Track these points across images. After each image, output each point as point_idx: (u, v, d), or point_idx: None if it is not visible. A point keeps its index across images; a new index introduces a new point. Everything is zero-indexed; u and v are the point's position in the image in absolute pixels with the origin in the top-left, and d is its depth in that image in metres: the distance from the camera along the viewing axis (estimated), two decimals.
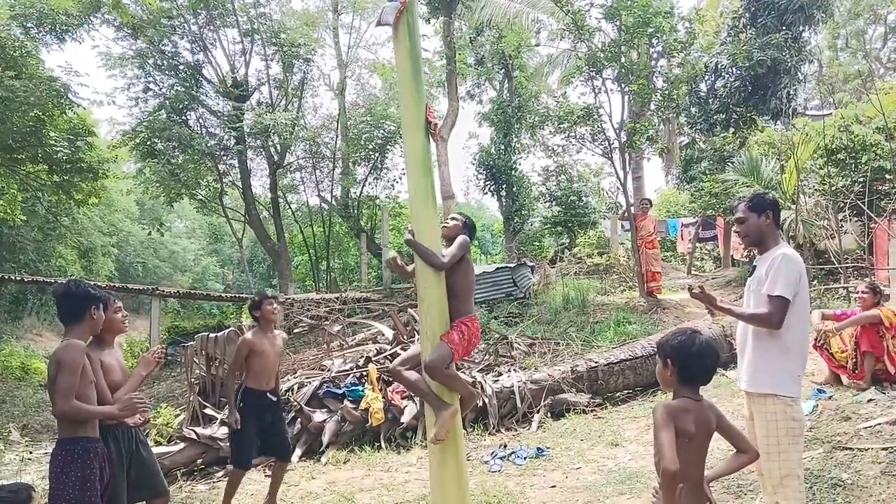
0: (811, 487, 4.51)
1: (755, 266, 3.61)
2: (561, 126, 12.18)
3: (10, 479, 6.28)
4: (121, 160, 19.01)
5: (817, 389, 6.26)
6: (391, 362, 7.77)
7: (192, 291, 20.01)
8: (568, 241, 20.41)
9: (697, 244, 19.04)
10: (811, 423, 5.60)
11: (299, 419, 7.17)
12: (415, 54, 4.16)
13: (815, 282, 10.99)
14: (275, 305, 5.48)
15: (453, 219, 4.22)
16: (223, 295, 17.33)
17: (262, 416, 5.28)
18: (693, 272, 17.20)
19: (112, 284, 17.26)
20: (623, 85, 11.98)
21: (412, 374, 3.99)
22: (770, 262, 3.44)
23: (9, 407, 12.08)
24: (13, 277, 14.71)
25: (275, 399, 5.40)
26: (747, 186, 11.87)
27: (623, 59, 11.77)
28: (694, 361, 2.66)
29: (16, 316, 24.54)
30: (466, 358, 7.77)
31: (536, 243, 22.77)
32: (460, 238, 4.06)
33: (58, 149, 14.79)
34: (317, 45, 19.02)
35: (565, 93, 15.02)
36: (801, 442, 3.40)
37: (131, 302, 33.43)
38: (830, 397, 6.05)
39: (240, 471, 5.36)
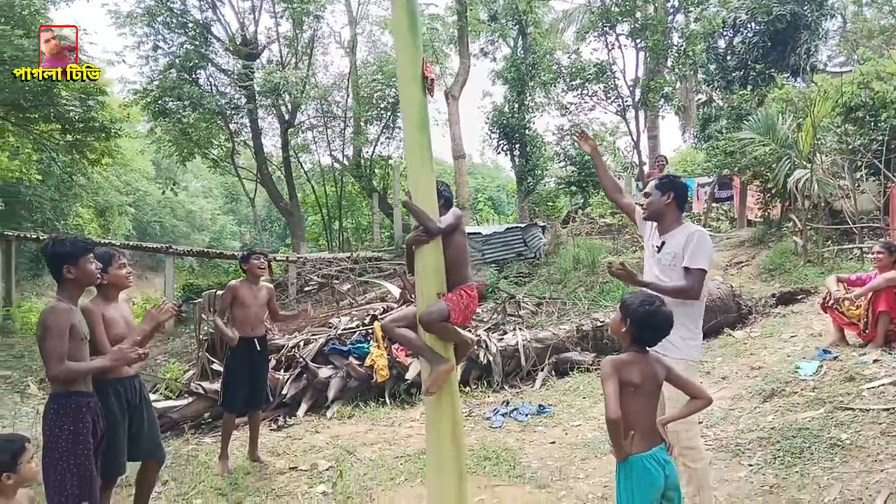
0: (809, 447, 4.50)
1: (663, 242, 3.75)
2: (573, 83, 11.94)
3: (25, 431, 6.43)
4: (134, 120, 19.01)
5: (822, 351, 6.20)
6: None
7: (204, 250, 20.19)
8: (582, 201, 20.23)
9: (714, 204, 18.78)
10: (814, 384, 5.56)
11: (305, 375, 7.24)
12: (411, 4, 4.05)
13: (830, 242, 10.84)
14: (261, 261, 5.64)
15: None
16: (235, 253, 17.39)
17: (250, 364, 5.51)
18: (708, 232, 17.00)
19: (126, 243, 17.44)
20: (637, 41, 11.70)
21: (407, 331, 3.97)
22: (686, 238, 3.62)
23: (27, 361, 12.32)
24: (27, 235, 14.87)
25: (259, 348, 5.55)
26: (763, 145, 11.64)
27: (638, 14, 11.48)
28: (650, 330, 2.87)
29: (35, 273, 24.91)
30: (465, 324, 7.77)
31: (550, 203, 22.57)
32: (451, 210, 3.99)
33: (70, 108, 14.79)
34: (327, 2, 18.74)
35: (578, 49, 14.69)
36: None
37: (149, 260, 33.88)
38: (836, 358, 6.00)
39: (230, 415, 5.58)
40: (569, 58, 15.02)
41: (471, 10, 17.64)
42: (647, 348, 2.91)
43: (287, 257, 15.78)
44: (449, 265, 3.89)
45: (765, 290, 9.81)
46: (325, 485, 5.03)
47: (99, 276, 3.53)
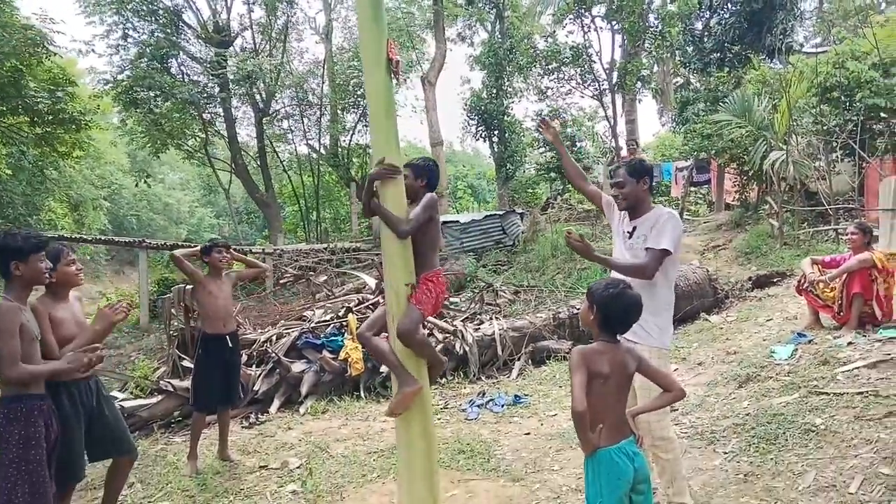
0: (784, 433, 4.45)
1: (634, 228, 3.67)
2: (549, 67, 11.81)
3: None
4: (105, 111, 18.62)
5: (797, 334, 6.17)
6: (372, 311, 7.71)
7: (177, 243, 19.84)
8: (561, 187, 20.16)
9: (691, 188, 18.77)
10: (789, 368, 5.52)
11: (278, 370, 7.10)
12: None
13: (806, 224, 10.85)
14: (223, 254, 5.48)
15: (405, 176, 3.77)
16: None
17: (223, 361, 5.35)
18: (686, 216, 17.00)
19: (98, 237, 17.16)
20: (613, 23, 11.59)
21: (382, 343, 3.83)
22: (655, 220, 3.59)
23: None
24: None
25: (231, 345, 5.41)
26: (740, 127, 11.60)
27: None
28: (617, 314, 2.77)
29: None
30: (434, 315, 7.69)
31: (530, 190, 22.51)
32: (426, 198, 3.74)
33: (38, 99, 14.46)
34: None
35: (554, 32, 14.54)
36: None
37: (126, 255, 33.40)
38: (811, 341, 5.96)
39: (200, 414, 5.42)
40: (545, 41, 14.83)
41: None
42: (619, 336, 2.82)
43: (263, 249, 15.58)
44: (416, 251, 3.77)
45: (742, 274, 9.81)
46: (296, 483, 4.91)
47: (48, 275, 3.36)
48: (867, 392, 4.64)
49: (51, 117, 15.14)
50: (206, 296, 5.34)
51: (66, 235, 17.89)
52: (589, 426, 2.59)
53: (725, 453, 4.49)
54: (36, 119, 15.17)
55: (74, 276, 3.85)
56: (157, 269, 19.84)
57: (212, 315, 5.35)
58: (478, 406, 6.41)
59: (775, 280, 8.85)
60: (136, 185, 24.30)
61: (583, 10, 11.69)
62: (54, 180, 24.59)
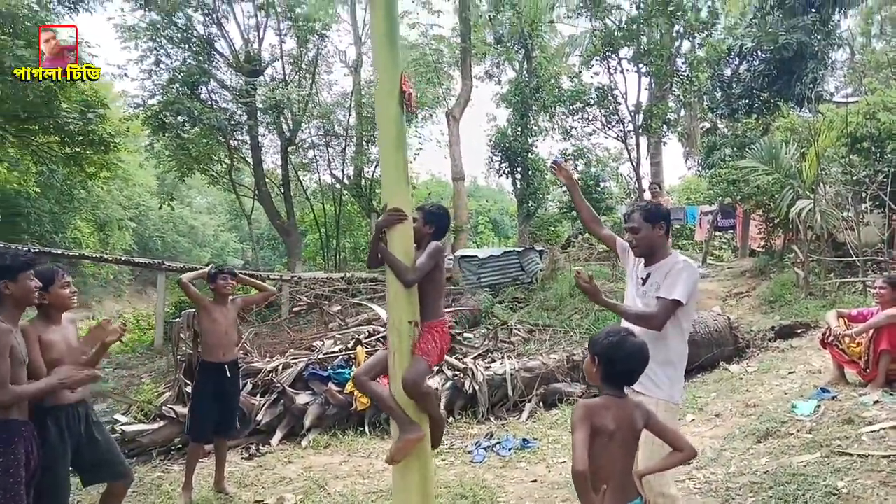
0: (804, 495, 4.20)
1: (649, 274, 3.52)
2: (573, 107, 11.77)
3: None
4: (135, 134, 18.92)
5: (821, 389, 5.91)
6: (382, 344, 7.57)
7: (196, 267, 19.95)
8: (582, 227, 19.99)
9: (717, 233, 18.52)
10: (811, 425, 5.27)
11: (282, 400, 6.97)
12: (391, 15, 3.84)
13: (832, 275, 10.55)
14: (228, 280, 5.42)
15: (413, 220, 3.75)
16: (234, 271, 17.17)
17: (220, 391, 5.24)
18: (709, 261, 16.73)
19: (119, 258, 17.25)
20: (640, 65, 11.54)
21: (380, 388, 3.71)
22: (670, 268, 3.43)
23: None
24: (13, 248, 14.64)
25: (230, 374, 5.31)
26: (766, 173, 11.41)
27: (642, 38, 11.33)
28: (619, 363, 2.60)
29: None
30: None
31: (551, 228, 22.35)
32: (431, 246, 3.67)
33: (69, 120, 14.71)
34: (333, 21, 18.71)
35: (580, 73, 14.54)
36: None
37: (149, 275, 33.69)
38: (834, 397, 5.71)
39: (196, 444, 5.33)
40: (570, 81, 14.82)
41: (476, 32, 17.53)
42: (625, 389, 2.65)
43: (281, 276, 15.56)
44: (422, 298, 3.65)
45: (764, 323, 9.53)
46: None
47: (37, 294, 3.28)
48: (894, 456, 4.39)
49: (81, 138, 15.37)
50: (209, 322, 5.28)
51: (87, 255, 18.10)
52: (591, 487, 2.40)
53: None
54: (66, 139, 15.42)
55: (68, 300, 3.76)
56: (176, 291, 19.89)
57: (212, 342, 5.27)
58: (484, 448, 6.21)
59: (799, 331, 8.57)
60: (160, 208, 24.56)
61: (609, 53, 11.63)
62: (82, 199, 25.02)
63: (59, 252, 16.25)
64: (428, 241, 3.69)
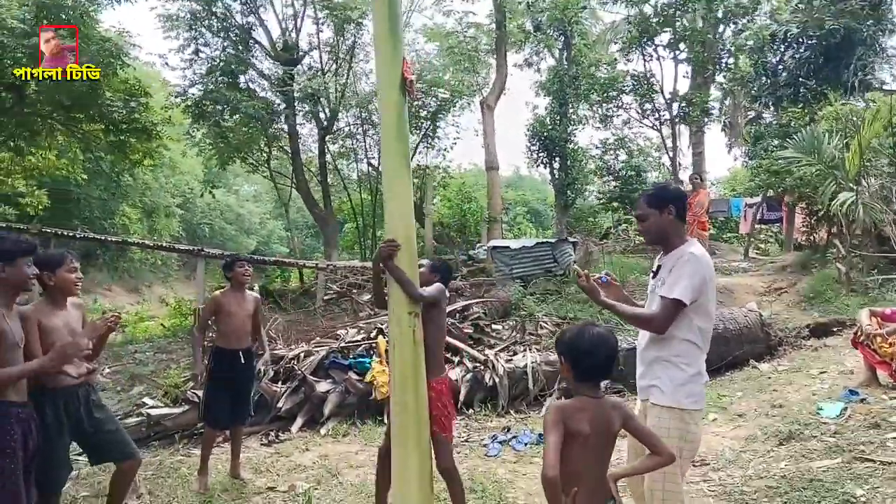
0: (819, 502, 4.06)
1: (659, 267, 3.24)
2: (607, 94, 11.51)
3: None
4: (179, 123, 19.29)
5: (849, 391, 5.68)
6: None
7: (233, 254, 20.29)
8: (616, 218, 19.67)
9: (762, 226, 18.01)
10: (835, 428, 5.08)
11: (303, 388, 7.03)
12: (392, 1, 3.83)
13: (875, 271, 10.14)
14: (246, 268, 5.47)
15: (420, 265, 4.01)
16: (265, 259, 17.41)
17: (233, 377, 5.28)
18: (752, 255, 16.27)
19: (159, 244, 17.61)
20: (676, 52, 11.22)
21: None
22: (676, 261, 3.12)
23: None
24: (62, 233, 15.08)
25: (243, 361, 5.31)
26: (809, 164, 11.01)
27: (678, 24, 10.99)
28: (584, 358, 2.49)
29: (82, 270, 25.52)
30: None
31: (591, 219, 22.00)
32: (437, 285, 3.99)
33: (113, 108, 15.06)
34: (369, 9, 18.67)
35: (615, 60, 14.21)
36: (688, 462, 3.16)
37: (195, 262, 34.45)
38: (863, 400, 5.48)
39: (211, 430, 5.37)
40: (605, 69, 14.49)
41: (513, 20, 17.29)
42: (601, 389, 2.56)
43: (317, 264, 15.71)
44: (427, 342, 3.76)
45: (801, 320, 9.23)
46: None
47: (32, 281, 3.32)
48: None
49: (124, 126, 15.72)
50: (224, 315, 5.30)
51: (129, 240, 18.59)
52: (561, 491, 2.32)
53: None
54: (110, 127, 15.78)
55: (73, 284, 3.80)
56: (217, 277, 20.30)
57: (227, 330, 5.31)
58: (500, 442, 6.16)
59: (835, 329, 8.26)
60: (201, 196, 25.00)
61: (645, 41, 11.32)
62: (129, 186, 25.65)
63: (103, 238, 16.69)
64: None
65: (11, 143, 15.93)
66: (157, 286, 31.16)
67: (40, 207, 19.04)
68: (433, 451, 3.81)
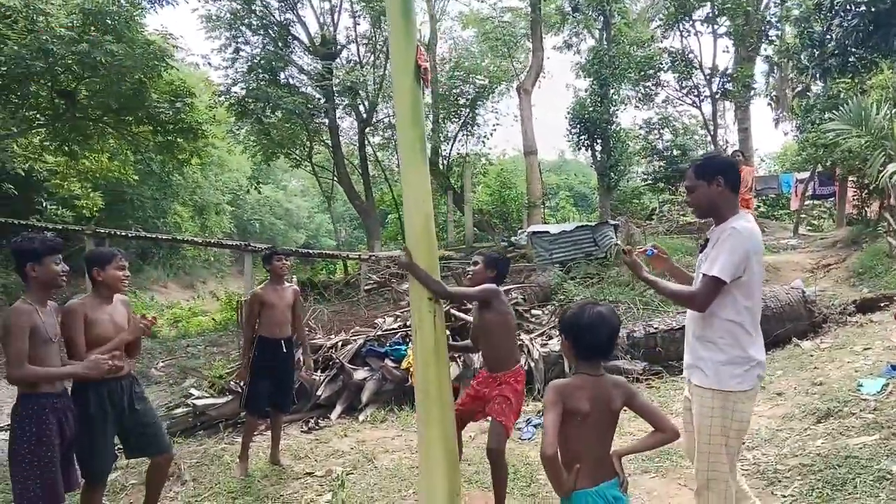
0: (854, 479, 3.97)
1: (706, 240, 3.11)
2: (645, 73, 11.31)
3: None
4: (222, 121, 19.75)
5: (891, 367, 5.52)
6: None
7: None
8: (661, 198, 19.35)
9: (816, 201, 17.47)
10: (875, 405, 4.95)
11: (341, 376, 7.18)
12: None
13: None
14: (283, 261, 5.57)
15: (475, 262, 3.96)
16: (310, 252, 17.80)
17: (275, 365, 5.42)
18: (802, 232, 15.81)
19: (207, 240, 18.14)
20: (715, 26, 10.95)
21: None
22: (718, 236, 2.97)
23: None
24: (115, 233, 15.67)
25: (285, 350, 5.46)
26: (858, 136, 10.62)
27: None
28: (584, 336, 2.49)
29: (138, 268, 26.42)
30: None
31: (635, 200, 21.69)
32: (485, 285, 3.90)
33: (160, 110, 15.52)
34: None
35: (652, 37, 13.93)
36: (736, 445, 3.01)
37: (243, 257, 35.23)
38: None
39: (252, 417, 5.54)
40: (642, 48, 14.21)
41: (547, 2, 17.09)
42: (602, 366, 2.55)
43: (360, 255, 15.94)
44: (485, 343, 3.82)
45: (850, 296, 8.95)
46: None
47: (63, 277, 3.49)
48: None
49: (171, 126, 16.20)
50: (266, 307, 5.45)
51: (178, 238, 19.15)
52: (562, 468, 2.37)
53: (784, 496, 4.07)
54: (158, 128, 16.28)
55: (119, 282, 3.97)
56: (264, 271, 20.77)
57: (269, 322, 5.46)
58: (534, 426, 6.20)
59: (883, 304, 7.99)
60: (247, 192, 25.48)
61: (683, 16, 11.07)
62: (179, 185, 26.36)
63: (154, 236, 17.22)
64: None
65: (66, 148, 16.58)
66: (212, 282, 31.98)
67: (95, 209, 19.75)
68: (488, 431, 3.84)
